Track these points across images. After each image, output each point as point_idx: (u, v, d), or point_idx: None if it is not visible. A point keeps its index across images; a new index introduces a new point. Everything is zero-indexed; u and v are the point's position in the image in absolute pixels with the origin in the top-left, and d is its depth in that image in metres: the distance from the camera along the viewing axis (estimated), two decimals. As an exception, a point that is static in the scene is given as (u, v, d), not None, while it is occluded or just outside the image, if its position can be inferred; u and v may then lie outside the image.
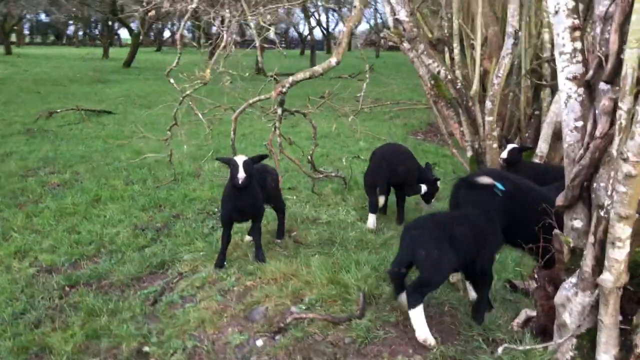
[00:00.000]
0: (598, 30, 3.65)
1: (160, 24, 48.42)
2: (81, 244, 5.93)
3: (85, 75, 24.79)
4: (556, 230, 3.41)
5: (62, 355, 3.92)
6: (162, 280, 5.15)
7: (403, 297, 3.79)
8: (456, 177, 9.00)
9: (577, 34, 3.79)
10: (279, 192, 5.79)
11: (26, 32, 62.29)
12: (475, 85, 8.37)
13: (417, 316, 3.58)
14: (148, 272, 5.36)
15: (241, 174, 4.68)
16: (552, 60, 8.25)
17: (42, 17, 56.63)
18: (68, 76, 25.09)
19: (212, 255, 5.38)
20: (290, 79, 5.43)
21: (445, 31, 9.15)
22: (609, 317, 2.94)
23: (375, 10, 45.43)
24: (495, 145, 7.98)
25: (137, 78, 25.19)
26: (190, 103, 6.29)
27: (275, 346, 3.76)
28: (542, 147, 7.80)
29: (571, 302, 3.14)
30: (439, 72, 8.11)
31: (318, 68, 5.19)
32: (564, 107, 3.84)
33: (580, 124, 3.77)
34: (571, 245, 3.31)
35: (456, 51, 8.67)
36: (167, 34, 56.35)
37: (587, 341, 3.11)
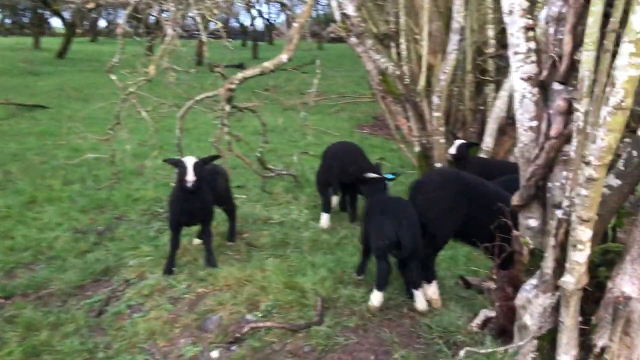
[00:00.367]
0: (551, 30, 3.66)
1: (95, 13, 46.53)
2: (16, 250, 5.56)
3: (14, 67, 23.42)
4: (515, 232, 3.42)
5: (-2, 376, 3.65)
6: (107, 288, 4.89)
7: None
8: (403, 171, 9.06)
9: (531, 34, 3.80)
10: (229, 193, 5.60)
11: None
12: (422, 81, 8.41)
13: None
14: (91, 279, 5.08)
15: (190, 177, 4.47)
16: (496, 56, 8.38)
17: (-34, 4, 53.31)
18: (-4, 67, 23.76)
19: (160, 260, 5.15)
20: (240, 75, 5.25)
21: (392, 26, 9.14)
22: (570, 318, 2.95)
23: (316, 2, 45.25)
24: (442, 141, 8.06)
25: (72, 70, 24.03)
26: (134, 101, 5.98)
27: (232, 357, 3.62)
28: (488, 142, 7.92)
29: (532, 303, 3.14)
30: (387, 68, 8.10)
31: (269, 64, 5.03)
32: (519, 107, 3.84)
33: (534, 123, 3.78)
34: (530, 246, 3.32)
35: (403, 46, 8.66)
36: (102, 23, 54.26)
37: (548, 342, 3.12)
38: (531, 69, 3.79)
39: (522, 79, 3.82)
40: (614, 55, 3.00)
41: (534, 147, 3.77)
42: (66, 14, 33.85)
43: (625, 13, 2.72)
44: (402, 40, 8.72)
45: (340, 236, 5.68)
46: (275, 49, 44.09)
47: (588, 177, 2.72)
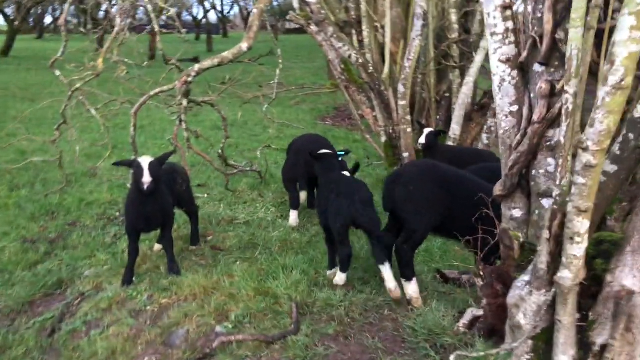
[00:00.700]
0: (529, 8, 3.45)
1: (40, 8, 44.68)
2: (-42, 264, 5.08)
3: (-46, 66, 22.24)
4: (504, 225, 3.19)
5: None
6: (61, 303, 4.50)
7: None
8: (370, 162, 8.83)
9: (509, 13, 3.58)
10: (190, 193, 5.23)
11: None
12: (387, 69, 8.18)
13: None
14: (42, 294, 4.67)
15: (147, 178, 4.10)
16: (460, 41, 8.22)
17: None
18: None
19: (118, 269, 4.77)
20: (197, 67, 4.87)
21: (352, 13, 8.87)
22: (567, 316, 2.75)
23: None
24: (409, 130, 7.86)
25: (18, 68, 22.88)
26: (81, 98, 5.51)
27: (202, 375, 3.29)
28: (455, 129, 7.76)
29: (525, 301, 2.93)
30: (349, 56, 7.83)
31: (228, 54, 4.67)
32: (498, 92, 3.63)
33: (515, 108, 3.58)
34: (521, 240, 3.10)
35: (365, 34, 8.41)
36: (48, 19, 52.17)
37: (543, 342, 2.92)
38: (509, 50, 3.58)
39: (501, 61, 3.60)
40: (597, 33, 2.83)
41: (516, 133, 3.57)
42: (9, 10, 32.33)
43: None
44: (364, 27, 8.48)
45: (311, 234, 5.38)
46: (229, 42, 43.31)
47: (586, 163, 2.51)
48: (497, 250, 3.60)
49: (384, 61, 8.69)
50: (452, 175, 4.21)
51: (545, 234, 2.80)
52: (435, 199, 4.06)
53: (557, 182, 2.86)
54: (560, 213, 2.72)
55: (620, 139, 2.71)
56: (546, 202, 3.34)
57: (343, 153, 5.37)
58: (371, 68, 7.81)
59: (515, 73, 3.57)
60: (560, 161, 2.86)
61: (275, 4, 46.30)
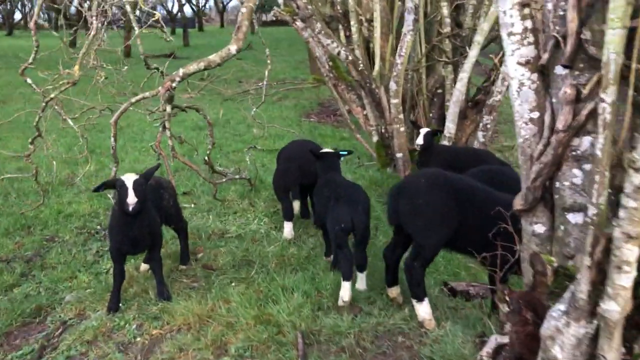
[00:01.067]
0: (550, 6, 3.15)
1: (8, 4, 43.40)
2: None
3: None
4: (534, 247, 2.91)
5: None
6: (40, 334, 4.08)
7: None
8: (361, 162, 8.51)
9: (527, 11, 3.28)
10: (178, 209, 4.84)
11: None
12: (377, 66, 7.87)
13: None
14: (20, 323, 4.24)
15: (132, 199, 3.72)
16: (452, 35, 7.93)
17: None
18: None
19: (102, 293, 4.40)
20: (181, 71, 4.50)
21: (338, 7, 8.52)
22: (613, 352, 2.48)
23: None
24: (402, 129, 7.59)
25: (-13, 68, 22.11)
26: (57, 107, 5.09)
27: (202, 421, 2.96)
28: (450, 127, 7.48)
29: (562, 334, 2.65)
30: (338, 53, 7.50)
31: (215, 57, 4.31)
32: (516, 97, 3.33)
33: (536, 115, 3.28)
34: (555, 265, 2.82)
35: (354, 29, 8.07)
36: (18, 15, 50.74)
37: (583, 377, 2.64)
38: (529, 51, 3.27)
39: (520, 63, 3.30)
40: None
41: (537, 141, 3.29)
42: (-24, 7, 31.25)
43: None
44: (352, 22, 8.15)
45: (309, 247, 5.05)
46: (205, 36, 42.63)
47: (638, 185, 2.22)
48: (511, 266, 3.35)
49: (368, 57, 8.38)
50: (463, 185, 3.91)
51: (587, 260, 2.51)
52: (447, 212, 3.76)
53: (594, 200, 2.58)
54: (604, 238, 2.43)
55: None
56: (572, 217, 3.07)
57: (346, 153, 5.31)
58: (361, 65, 7.49)
59: (535, 76, 3.27)
60: (597, 177, 2.58)
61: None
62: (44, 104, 4.71)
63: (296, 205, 5.68)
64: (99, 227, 5.98)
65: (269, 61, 5.64)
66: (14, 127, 10.80)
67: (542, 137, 3.23)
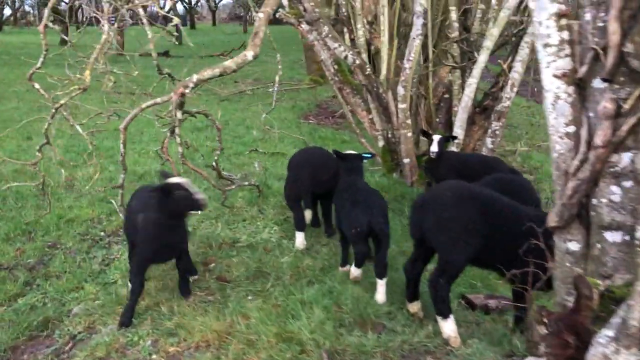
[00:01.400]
0: (588, 17, 3.05)
1: (-2, -1, 42.77)
2: None
3: None
4: (578, 270, 2.80)
5: None
6: (49, 348, 3.93)
7: None
8: (366, 168, 8.38)
9: (564, 22, 3.18)
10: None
11: None
12: (384, 70, 7.77)
13: None
14: (27, 337, 4.09)
15: (201, 194, 3.99)
16: (461, 40, 7.84)
17: None
18: None
19: (112, 305, 4.24)
20: (195, 77, 4.36)
21: (343, 10, 8.40)
22: (665, 381, 2.38)
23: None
24: (410, 135, 7.49)
25: (-23, 64, 21.73)
26: (65, 113, 4.92)
27: None
28: (459, 134, 7.40)
29: (610, 361, 2.55)
30: (346, 57, 7.38)
31: (231, 64, 4.17)
32: (551, 110, 3.22)
33: (572, 129, 3.17)
34: (601, 288, 2.72)
35: (360, 32, 7.96)
36: (7, 11, 50.06)
37: (630, 406, 2.54)
38: (565, 64, 3.16)
39: (556, 76, 3.20)
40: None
41: (573, 157, 3.19)
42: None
43: None
44: (359, 25, 8.04)
45: (324, 258, 4.91)
46: (197, 34, 42.30)
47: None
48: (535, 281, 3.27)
49: (369, 60, 8.25)
50: (489, 199, 3.80)
51: (639, 286, 2.41)
52: (473, 226, 3.65)
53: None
54: (658, 262, 2.33)
55: None
56: (610, 236, 2.98)
57: (369, 156, 5.35)
58: (369, 69, 7.38)
59: (571, 89, 3.17)
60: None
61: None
62: (53, 110, 4.55)
63: (308, 214, 5.55)
64: (102, 233, 5.83)
65: (279, 66, 5.50)
66: (7, 126, 10.54)
67: (578, 152, 3.13)
